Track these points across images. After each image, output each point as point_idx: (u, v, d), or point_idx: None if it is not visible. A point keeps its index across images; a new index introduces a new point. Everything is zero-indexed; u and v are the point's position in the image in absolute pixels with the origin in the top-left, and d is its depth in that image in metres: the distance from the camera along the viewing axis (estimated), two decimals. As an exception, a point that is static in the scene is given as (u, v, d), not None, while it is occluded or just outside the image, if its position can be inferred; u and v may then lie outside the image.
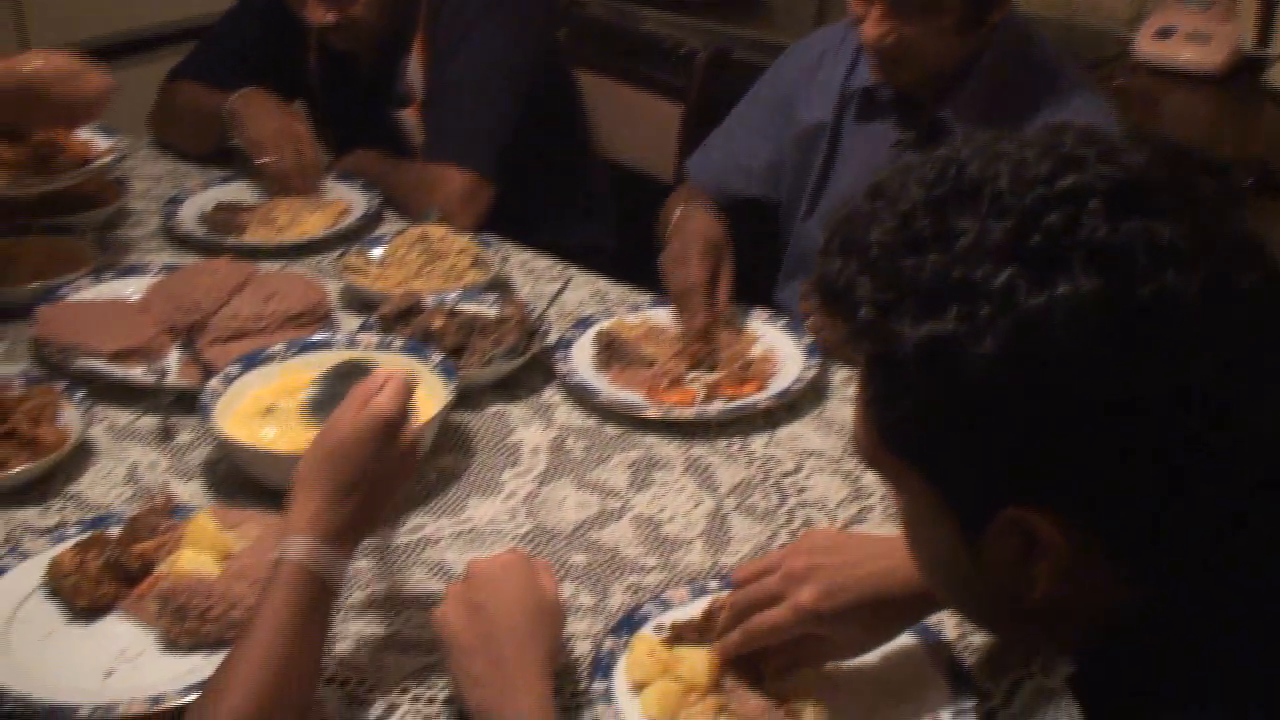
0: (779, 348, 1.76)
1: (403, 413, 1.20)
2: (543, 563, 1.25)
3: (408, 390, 1.21)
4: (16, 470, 1.49)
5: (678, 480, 1.53)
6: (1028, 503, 0.78)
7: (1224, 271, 0.75)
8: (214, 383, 1.57)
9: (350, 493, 1.17)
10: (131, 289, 1.88)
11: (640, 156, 2.54)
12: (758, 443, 1.60)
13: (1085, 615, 0.84)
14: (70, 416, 1.58)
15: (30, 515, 1.47)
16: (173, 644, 1.26)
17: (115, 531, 1.37)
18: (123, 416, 1.64)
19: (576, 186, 2.47)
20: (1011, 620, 0.92)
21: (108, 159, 2.01)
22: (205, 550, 1.32)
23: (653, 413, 1.62)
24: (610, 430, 1.62)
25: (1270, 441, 0.78)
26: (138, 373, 1.69)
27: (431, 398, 1.54)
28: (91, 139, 2.03)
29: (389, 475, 1.20)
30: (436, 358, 1.61)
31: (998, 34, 1.79)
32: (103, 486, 1.52)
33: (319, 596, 1.13)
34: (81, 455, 1.56)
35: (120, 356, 1.71)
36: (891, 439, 0.83)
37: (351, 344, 1.66)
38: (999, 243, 0.75)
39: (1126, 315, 0.74)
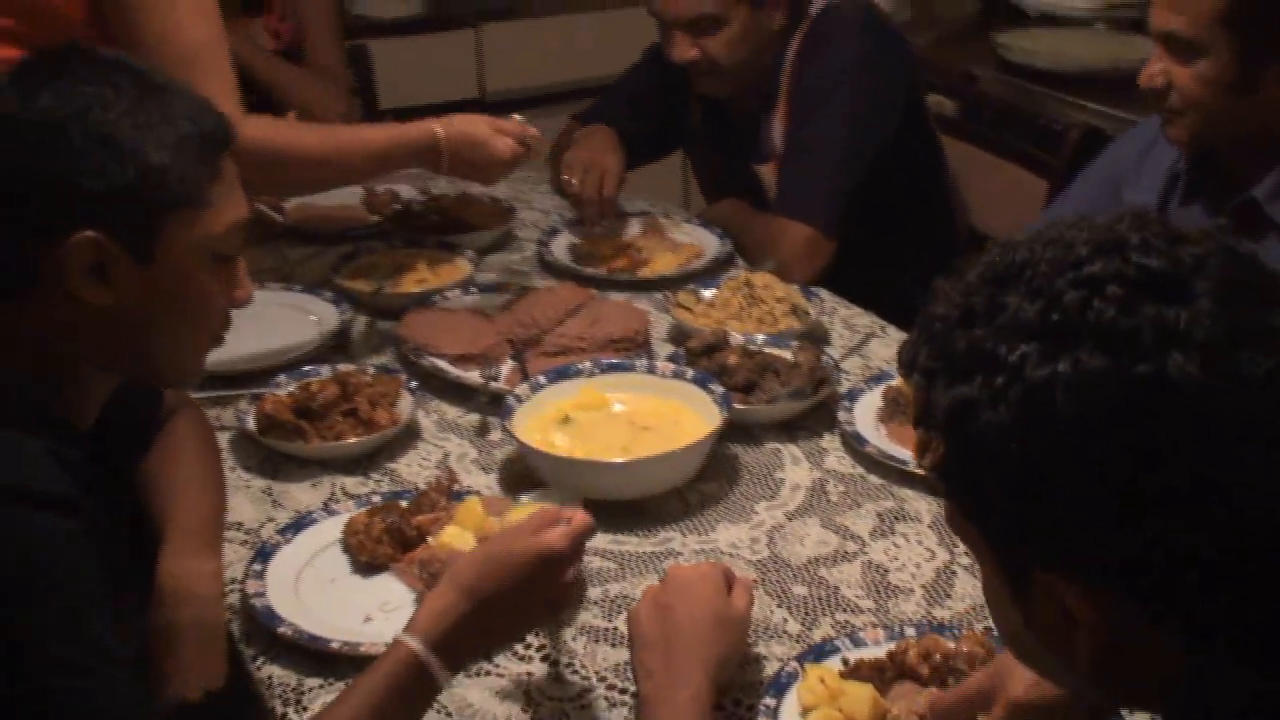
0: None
1: (571, 553, 1.22)
2: (745, 581, 1.34)
3: (584, 534, 1.24)
4: (348, 442, 1.73)
5: (919, 534, 1.57)
6: (1053, 570, 0.82)
7: (1235, 357, 0.77)
8: (522, 389, 1.76)
9: (482, 607, 1.20)
10: (492, 303, 2.11)
11: (1006, 228, 2.55)
12: (1011, 510, 1.61)
13: (1143, 682, 0.86)
14: (405, 404, 1.81)
15: (350, 482, 1.70)
16: (424, 604, 1.44)
17: (405, 504, 1.58)
18: (450, 411, 1.87)
19: (937, 251, 2.52)
20: (1094, 688, 0.93)
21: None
22: (469, 529, 1.50)
23: (914, 467, 1.66)
24: (873, 480, 1.69)
25: None
26: (472, 375, 1.91)
27: (707, 425, 1.67)
28: None
29: (530, 606, 1.23)
30: (719, 390, 1.73)
31: None
32: (417, 467, 1.74)
33: (418, 687, 1.17)
34: (406, 438, 1.79)
35: (462, 359, 1.94)
36: (951, 499, 0.88)
37: (650, 370, 1.80)
38: (1027, 320, 0.81)
39: (1125, 393, 0.77)
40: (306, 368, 1.89)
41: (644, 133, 2.61)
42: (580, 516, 1.24)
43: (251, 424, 1.75)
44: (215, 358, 1.85)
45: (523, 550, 1.21)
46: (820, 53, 2.32)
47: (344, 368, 1.88)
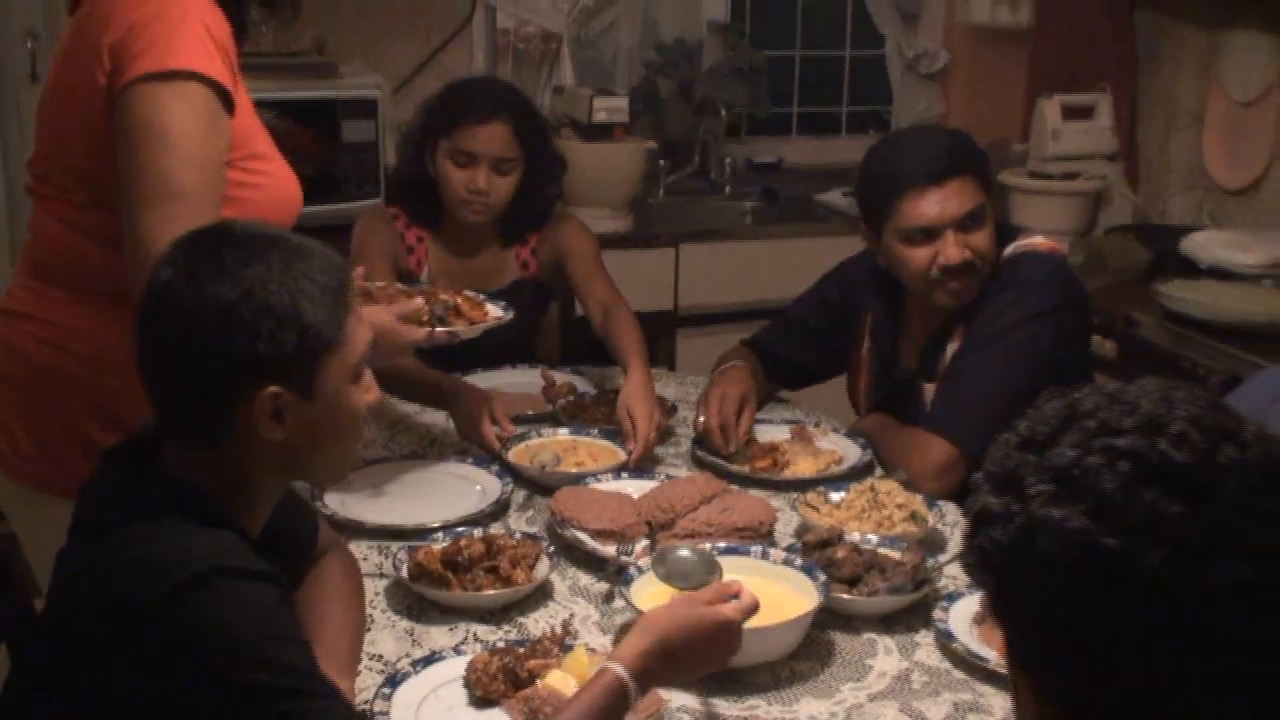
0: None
1: (742, 623, 1.56)
2: None
3: (753, 611, 1.59)
4: (486, 594, 1.93)
5: (988, 726, 1.68)
6: (1028, 673, 0.97)
7: (1201, 563, 0.90)
8: (644, 561, 1.94)
9: (669, 653, 1.51)
10: (637, 488, 2.31)
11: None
12: (1082, 714, 1.70)
13: None
14: (542, 568, 2.02)
15: (482, 629, 1.90)
16: (525, 737, 1.62)
17: (523, 649, 1.76)
18: (583, 578, 2.06)
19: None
20: None
21: (493, 324, 2.42)
22: (573, 675, 1.68)
23: (996, 666, 1.77)
24: (957, 674, 1.80)
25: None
26: (609, 549, 2.10)
27: (804, 606, 1.82)
28: (491, 308, 2.46)
29: (702, 659, 1.57)
30: (822, 578, 1.88)
31: None
32: (543, 623, 1.92)
33: (618, 705, 1.47)
34: (538, 598, 1.99)
35: (601, 534, 2.13)
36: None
37: (763, 555, 1.97)
38: (1060, 465, 0.96)
39: (1091, 558, 0.92)
40: (460, 528, 2.12)
41: (809, 357, 2.80)
42: (749, 593, 1.59)
43: (404, 571, 1.98)
44: (386, 516, 2.15)
45: (707, 616, 1.55)
46: (1008, 293, 2.44)
47: (494, 531, 2.10)
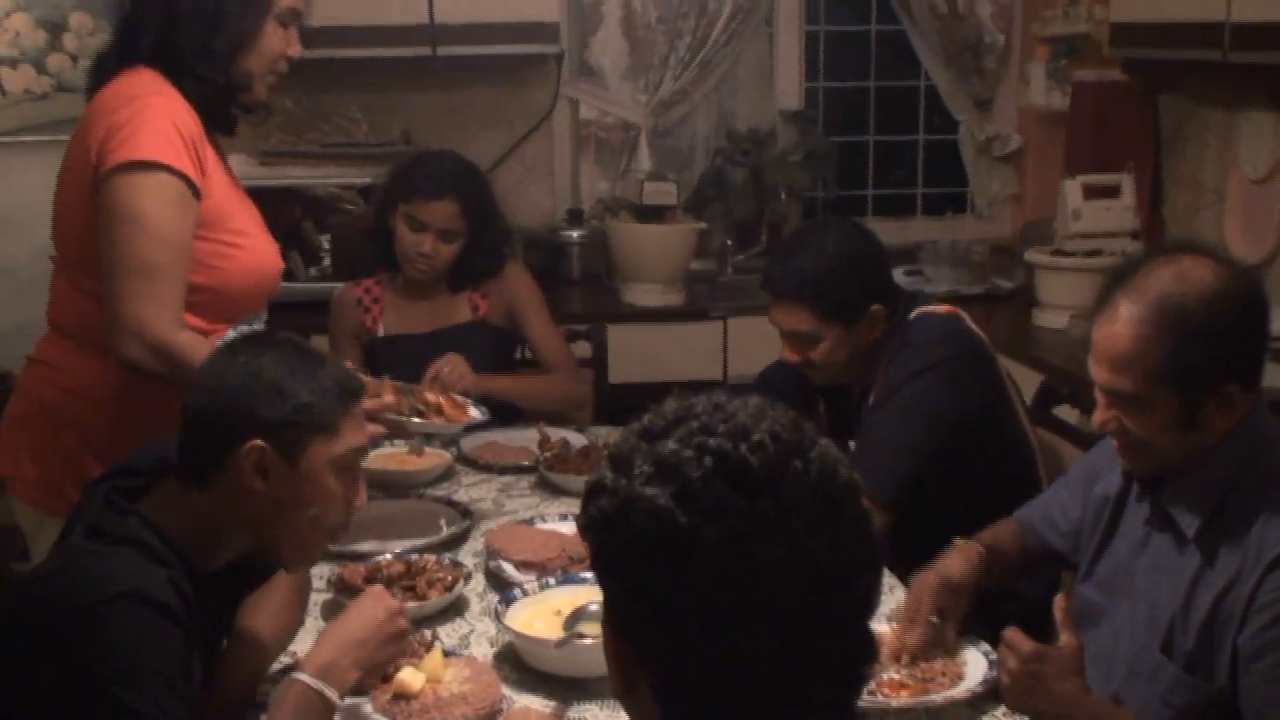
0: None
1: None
2: None
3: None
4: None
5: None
6: (615, 630, 1.19)
7: (747, 544, 1.10)
8: (530, 585, 2.23)
9: (336, 637, 1.89)
10: (572, 528, 2.59)
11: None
12: None
13: None
14: (459, 588, 2.32)
15: (387, 636, 2.21)
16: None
17: (397, 649, 2.07)
18: (494, 597, 2.35)
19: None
20: None
21: (474, 420, 2.77)
22: (424, 671, 1.97)
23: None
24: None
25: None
26: (529, 578, 2.38)
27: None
28: (471, 408, 2.78)
29: (366, 627, 1.90)
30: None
31: (1232, 440, 1.94)
32: (445, 636, 2.22)
33: (312, 704, 1.79)
34: (449, 614, 2.29)
35: (523, 565, 2.43)
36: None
37: (637, 583, 2.23)
38: (663, 453, 1.14)
39: (667, 530, 1.10)
40: (396, 552, 2.45)
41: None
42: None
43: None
44: (349, 543, 2.48)
45: (364, 597, 1.93)
46: (904, 353, 2.70)
47: (426, 557, 2.42)
